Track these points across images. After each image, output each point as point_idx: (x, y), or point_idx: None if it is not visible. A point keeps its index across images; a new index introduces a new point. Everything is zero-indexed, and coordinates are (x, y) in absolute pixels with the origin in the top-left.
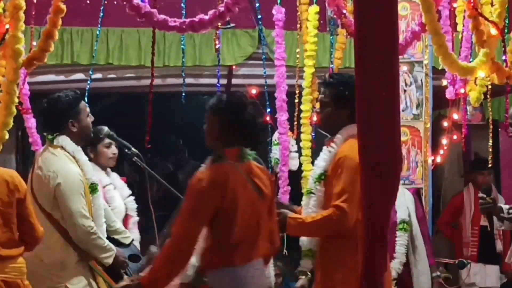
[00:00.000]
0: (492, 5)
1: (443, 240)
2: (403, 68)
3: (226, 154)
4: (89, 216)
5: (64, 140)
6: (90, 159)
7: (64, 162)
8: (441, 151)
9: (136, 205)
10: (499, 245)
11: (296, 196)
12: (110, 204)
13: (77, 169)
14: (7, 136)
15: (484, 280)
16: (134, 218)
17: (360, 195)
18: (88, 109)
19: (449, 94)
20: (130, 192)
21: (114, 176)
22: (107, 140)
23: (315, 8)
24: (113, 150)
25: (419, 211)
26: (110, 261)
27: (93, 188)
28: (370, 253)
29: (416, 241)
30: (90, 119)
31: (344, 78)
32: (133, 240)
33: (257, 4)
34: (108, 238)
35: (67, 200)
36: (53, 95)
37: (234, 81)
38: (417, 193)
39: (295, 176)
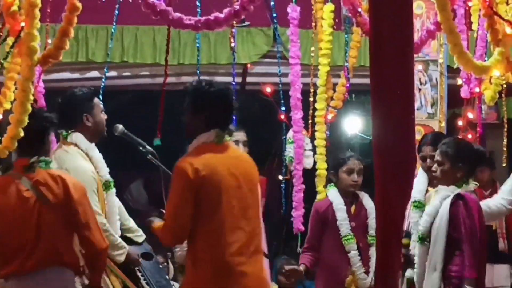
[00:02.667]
0: (507, 4)
1: None
2: (418, 66)
3: None
4: (102, 213)
5: (78, 137)
6: None
7: (76, 159)
8: None
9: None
10: (501, 244)
11: (310, 194)
12: None
13: (89, 166)
14: (22, 134)
15: (492, 280)
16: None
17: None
18: (102, 106)
19: (464, 93)
20: None
21: None
22: None
23: (330, 6)
24: None
25: None
26: (122, 258)
27: (107, 185)
28: (385, 252)
29: None
30: (104, 116)
31: (198, 85)
32: (145, 238)
33: (272, 3)
34: (121, 236)
35: None
36: (68, 91)
37: (248, 79)
38: None
39: (310, 175)
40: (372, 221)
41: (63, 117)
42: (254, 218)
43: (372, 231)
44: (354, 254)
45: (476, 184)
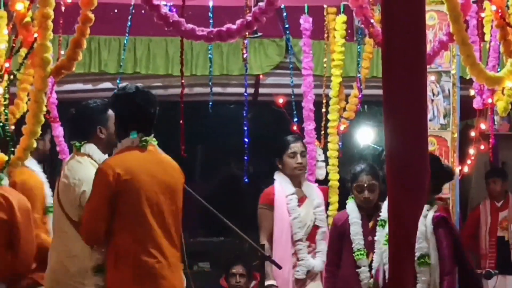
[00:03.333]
0: None
1: (469, 251)
2: (431, 77)
3: None
4: None
5: (91, 148)
6: None
7: (89, 170)
8: (469, 161)
9: (324, 215)
10: None
11: None
12: None
13: None
14: (35, 145)
15: None
16: (322, 229)
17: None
18: (114, 117)
19: (476, 104)
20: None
21: None
22: None
23: (342, 17)
24: None
25: None
26: None
27: None
28: (398, 262)
29: None
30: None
31: (117, 91)
32: None
33: (285, 14)
34: None
35: None
36: (81, 103)
37: (261, 90)
38: None
39: (322, 185)
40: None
41: (76, 128)
42: (175, 224)
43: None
44: (363, 270)
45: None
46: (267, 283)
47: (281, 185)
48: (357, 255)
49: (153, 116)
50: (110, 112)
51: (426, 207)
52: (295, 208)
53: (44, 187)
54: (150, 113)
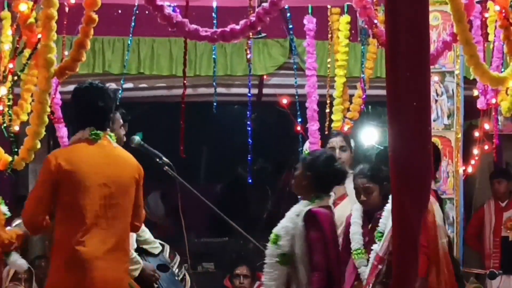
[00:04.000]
0: None
1: (473, 251)
2: (434, 78)
3: None
4: None
5: None
6: None
7: None
8: (473, 161)
9: None
10: None
11: None
12: None
13: None
14: (39, 145)
15: None
16: None
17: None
18: (121, 121)
19: (480, 104)
20: None
21: None
22: None
23: (346, 18)
24: None
25: None
26: (136, 274)
27: None
28: (402, 261)
29: None
30: (123, 131)
31: (72, 92)
32: (162, 250)
33: (288, 14)
34: (137, 247)
35: None
36: None
37: (265, 90)
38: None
39: None
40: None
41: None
42: (119, 217)
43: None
44: (363, 270)
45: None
46: None
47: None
48: (356, 254)
49: (105, 111)
50: (117, 115)
51: (304, 203)
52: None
53: None
54: (101, 108)
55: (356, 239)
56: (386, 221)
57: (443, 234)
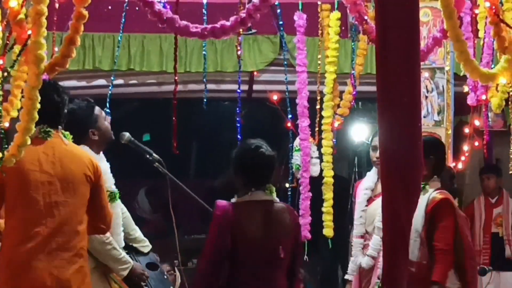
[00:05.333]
0: None
1: None
2: (425, 74)
3: None
4: None
5: (83, 149)
6: None
7: None
8: (463, 158)
9: None
10: (508, 251)
11: (317, 202)
12: None
13: None
14: (29, 142)
15: (499, 287)
16: None
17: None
18: (103, 114)
19: (470, 100)
20: None
21: None
22: None
23: (336, 14)
24: None
25: None
26: (125, 273)
27: (112, 196)
28: (392, 256)
29: None
30: (108, 121)
31: None
32: (151, 248)
33: (279, 10)
34: (127, 246)
35: None
36: (68, 106)
37: (255, 87)
38: None
39: (317, 182)
40: None
41: (69, 132)
42: (66, 217)
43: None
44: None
45: None
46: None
47: (367, 178)
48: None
49: (60, 107)
50: (97, 111)
51: None
52: (362, 203)
53: None
54: (56, 104)
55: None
56: None
57: None
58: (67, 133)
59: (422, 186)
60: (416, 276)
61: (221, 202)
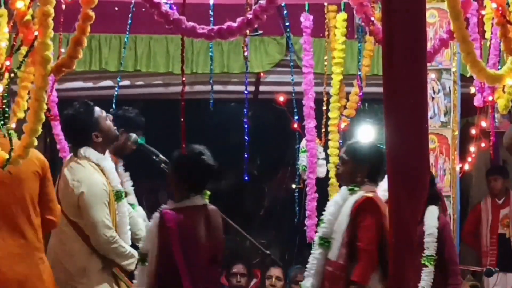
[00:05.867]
0: None
1: (470, 248)
2: (431, 75)
3: None
4: (112, 226)
5: (87, 151)
6: None
7: (89, 171)
8: (469, 159)
9: None
10: None
11: (323, 203)
12: None
13: (101, 178)
14: (35, 143)
15: None
16: None
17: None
18: (104, 113)
19: (477, 101)
20: None
21: None
22: None
23: (343, 15)
24: None
25: None
26: (132, 267)
27: (118, 195)
28: (398, 260)
29: None
30: (109, 119)
31: None
32: None
33: (285, 12)
34: (133, 245)
35: (90, 209)
36: (67, 113)
37: (262, 88)
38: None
39: (323, 184)
40: (428, 240)
41: (71, 138)
42: (19, 214)
43: (428, 251)
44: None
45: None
46: None
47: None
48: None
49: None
50: (97, 112)
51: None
52: None
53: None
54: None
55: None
56: (332, 226)
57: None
58: (12, 131)
59: (351, 188)
60: (333, 276)
61: (168, 212)
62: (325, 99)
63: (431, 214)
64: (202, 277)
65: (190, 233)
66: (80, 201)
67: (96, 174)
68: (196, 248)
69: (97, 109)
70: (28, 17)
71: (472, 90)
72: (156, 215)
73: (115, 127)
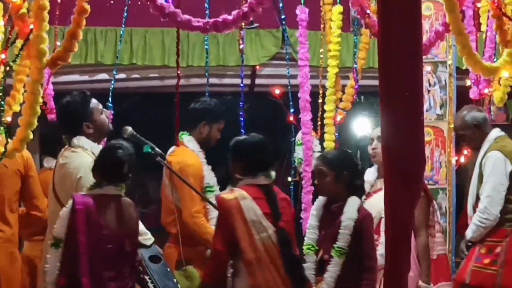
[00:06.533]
0: None
1: None
2: (427, 68)
3: None
4: None
5: (80, 140)
6: None
7: (84, 158)
8: (465, 151)
9: None
10: None
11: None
12: None
13: None
14: (31, 136)
15: None
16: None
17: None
18: (100, 107)
19: (473, 94)
20: None
21: None
22: None
23: (338, 8)
24: None
25: None
26: (149, 242)
27: None
28: (394, 252)
29: None
30: (105, 114)
31: None
32: (154, 241)
33: (281, 4)
34: None
35: None
36: (62, 100)
37: (257, 81)
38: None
39: None
40: (341, 232)
41: (63, 126)
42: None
43: (339, 242)
44: (308, 266)
45: None
46: None
47: (367, 173)
48: (306, 249)
49: None
50: (93, 104)
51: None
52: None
53: (203, 168)
54: None
55: (309, 233)
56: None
57: (260, 228)
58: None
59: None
60: None
61: (79, 197)
62: (321, 92)
63: (350, 205)
64: (104, 264)
65: (95, 218)
66: (78, 187)
67: (91, 159)
68: (100, 234)
69: (93, 100)
70: (24, 10)
71: (468, 82)
72: (71, 200)
73: (110, 123)
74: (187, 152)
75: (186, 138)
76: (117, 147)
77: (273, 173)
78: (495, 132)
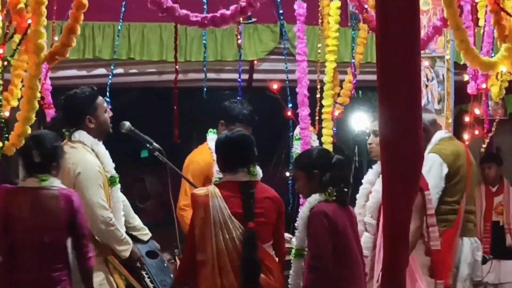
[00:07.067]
0: None
1: None
2: (425, 63)
3: None
4: (108, 207)
5: (81, 134)
6: None
7: (83, 153)
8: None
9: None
10: (508, 240)
11: None
12: None
13: (96, 160)
14: (29, 131)
15: (499, 276)
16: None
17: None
18: (105, 105)
19: (470, 89)
20: None
21: None
22: None
23: (336, 3)
24: None
25: None
26: (127, 254)
27: (112, 180)
28: (392, 249)
29: None
30: (109, 114)
31: None
32: (151, 237)
33: None
34: (127, 234)
35: (86, 190)
36: (70, 91)
37: (255, 76)
38: None
39: None
40: (296, 233)
41: (66, 118)
42: None
43: (295, 244)
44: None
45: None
46: None
47: (369, 172)
48: (292, 254)
49: None
50: (99, 100)
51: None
52: (361, 197)
53: (212, 166)
54: None
55: (296, 237)
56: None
57: (225, 229)
58: None
59: None
60: None
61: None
62: (319, 86)
63: (306, 204)
64: (27, 256)
65: (14, 210)
66: (76, 183)
67: (90, 156)
68: (18, 226)
69: (100, 98)
70: (22, 5)
71: (466, 77)
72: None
73: (111, 124)
74: (202, 150)
75: (210, 136)
76: (32, 139)
77: (258, 170)
78: (440, 134)
